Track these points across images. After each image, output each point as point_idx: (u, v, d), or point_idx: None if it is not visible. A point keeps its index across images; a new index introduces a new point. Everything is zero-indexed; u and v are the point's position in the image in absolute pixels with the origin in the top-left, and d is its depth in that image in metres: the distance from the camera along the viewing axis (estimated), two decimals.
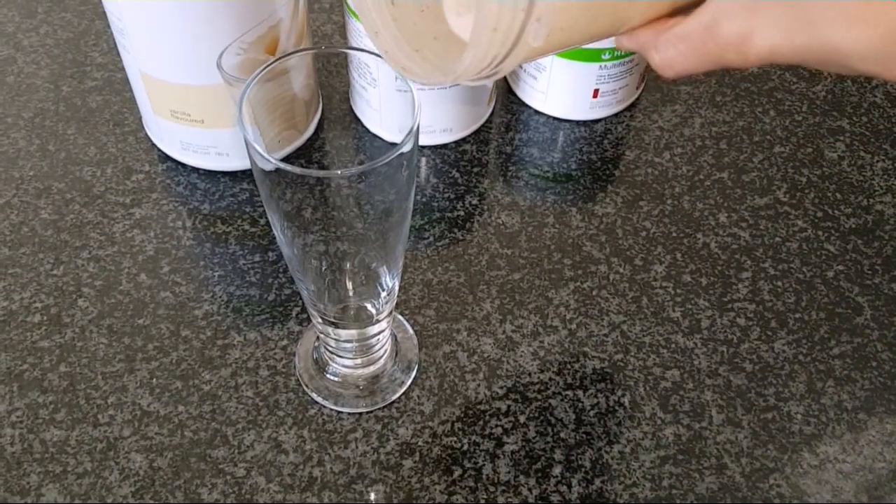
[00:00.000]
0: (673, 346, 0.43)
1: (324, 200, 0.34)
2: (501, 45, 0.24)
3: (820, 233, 0.48)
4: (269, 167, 0.28)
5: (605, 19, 0.27)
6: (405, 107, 0.31)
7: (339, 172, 0.28)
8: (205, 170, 0.50)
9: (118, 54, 0.56)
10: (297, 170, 0.27)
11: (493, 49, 0.24)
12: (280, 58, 0.31)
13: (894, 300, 0.45)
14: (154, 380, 0.41)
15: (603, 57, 0.49)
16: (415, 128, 0.28)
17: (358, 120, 0.52)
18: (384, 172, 0.29)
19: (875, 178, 0.51)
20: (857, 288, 0.46)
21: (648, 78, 0.56)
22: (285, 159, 0.43)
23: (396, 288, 0.37)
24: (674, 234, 0.48)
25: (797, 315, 0.45)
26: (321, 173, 0.29)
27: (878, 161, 0.52)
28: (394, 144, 0.49)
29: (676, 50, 0.27)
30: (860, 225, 0.49)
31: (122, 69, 0.55)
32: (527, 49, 0.25)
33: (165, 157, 0.50)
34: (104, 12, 0.53)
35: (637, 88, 0.54)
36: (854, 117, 0.55)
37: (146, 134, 0.51)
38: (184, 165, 0.50)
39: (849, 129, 0.54)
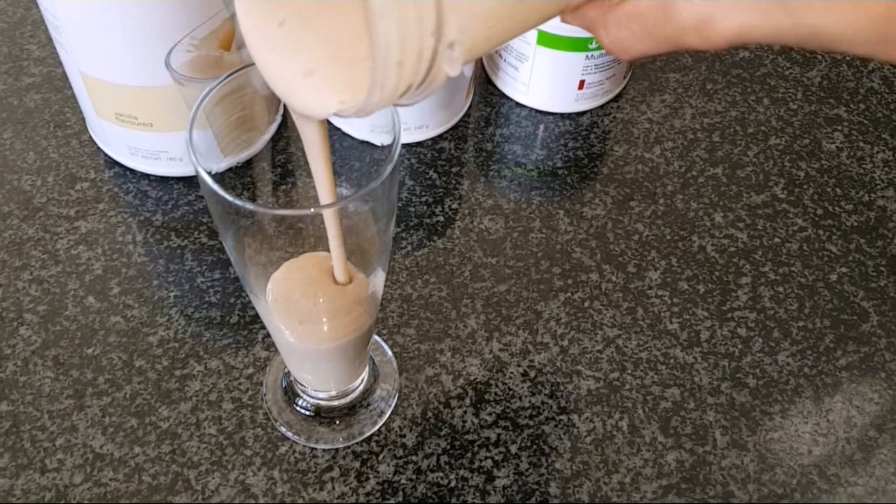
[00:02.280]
0: (672, 361, 0.40)
1: (291, 225, 0.30)
2: (413, 76, 0.20)
3: (821, 232, 0.46)
4: (238, 207, 0.24)
5: (535, 13, 0.22)
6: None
7: (311, 211, 0.24)
8: (156, 176, 0.45)
9: None
10: (262, 210, 0.23)
11: (404, 82, 0.20)
12: (237, 70, 0.27)
13: None
14: (106, 418, 0.37)
15: (590, 46, 0.45)
16: (395, 156, 0.24)
17: None
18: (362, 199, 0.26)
19: (876, 170, 0.48)
20: (861, 292, 0.43)
21: (635, 65, 0.53)
22: (247, 163, 0.39)
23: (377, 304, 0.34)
24: (668, 237, 0.45)
25: (800, 323, 0.42)
26: (295, 212, 0.25)
27: (878, 152, 0.49)
28: (364, 143, 0.45)
29: (629, 31, 0.23)
30: (862, 222, 0.46)
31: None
32: (445, 74, 0.20)
33: (112, 163, 0.46)
34: None
35: (624, 78, 0.50)
36: (851, 104, 0.52)
37: (90, 137, 0.47)
38: (133, 171, 0.45)
39: (846, 117, 0.51)
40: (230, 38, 0.40)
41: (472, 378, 0.39)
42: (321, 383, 0.36)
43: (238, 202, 0.23)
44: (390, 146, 0.25)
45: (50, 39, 0.52)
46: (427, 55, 0.19)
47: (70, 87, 0.49)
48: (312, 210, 0.24)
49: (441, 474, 0.36)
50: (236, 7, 0.22)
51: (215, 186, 0.24)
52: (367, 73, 0.20)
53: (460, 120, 0.49)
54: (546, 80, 0.48)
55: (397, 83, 0.20)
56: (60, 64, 0.50)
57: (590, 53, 0.46)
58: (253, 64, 0.29)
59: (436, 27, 0.19)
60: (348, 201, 0.24)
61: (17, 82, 0.49)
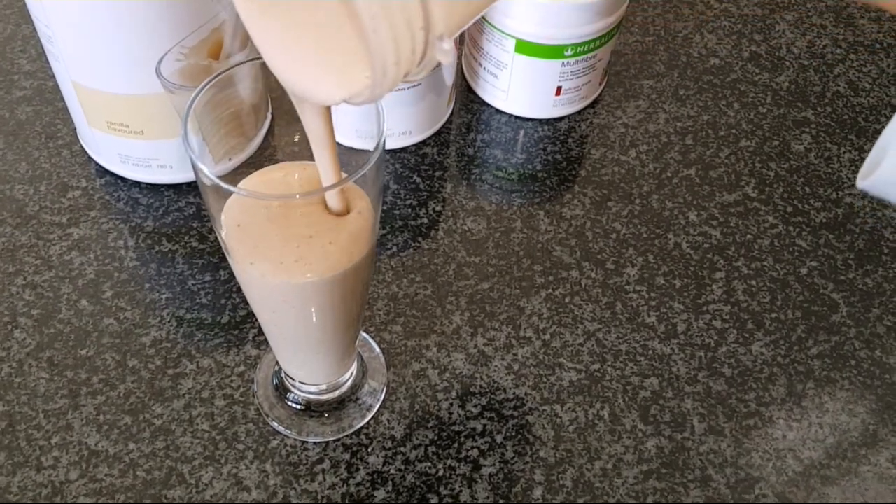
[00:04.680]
0: (650, 352, 0.42)
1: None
2: (409, 65, 0.22)
3: (791, 228, 0.47)
4: (227, 193, 0.26)
5: None
6: (361, 110, 0.29)
7: (297, 197, 0.25)
8: (146, 183, 0.46)
9: (48, 61, 0.52)
10: (258, 195, 0.25)
11: (402, 73, 0.22)
12: (227, 69, 0.28)
13: (869, 296, 0.44)
14: (101, 416, 0.38)
15: (566, 53, 0.47)
16: (380, 144, 0.26)
17: None
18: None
19: (843, 169, 0.50)
20: (831, 284, 0.45)
21: (610, 73, 0.54)
22: (235, 170, 0.40)
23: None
24: (644, 235, 0.46)
25: (773, 315, 0.44)
26: (284, 198, 0.26)
27: (844, 152, 0.51)
28: (351, 149, 0.46)
29: None
30: (831, 219, 0.48)
31: (53, 77, 0.51)
32: (437, 60, 0.22)
33: (103, 171, 0.47)
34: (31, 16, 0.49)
35: (600, 84, 0.52)
36: (818, 108, 0.54)
37: (82, 147, 0.48)
38: (123, 179, 0.47)
39: (814, 119, 0.53)
40: (219, 48, 0.42)
41: (457, 372, 0.40)
42: (310, 376, 0.37)
43: (242, 192, 0.25)
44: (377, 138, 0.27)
45: (40, 54, 0.53)
46: (420, 48, 0.21)
47: (61, 99, 0.50)
48: (297, 196, 0.25)
49: (429, 464, 0.37)
50: (236, 4, 0.24)
51: (217, 179, 0.25)
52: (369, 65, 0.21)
53: (443, 126, 0.51)
54: (524, 87, 0.49)
55: (396, 76, 0.22)
56: (51, 77, 0.51)
57: (566, 60, 0.47)
58: (239, 64, 0.30)
59: (424, 23, 0.21)
60: (345, 182, 0.25)
61: (8, 95, 0.50)
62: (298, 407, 0.38)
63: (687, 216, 0.47)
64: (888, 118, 0.53)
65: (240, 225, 0.28)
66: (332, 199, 0.28)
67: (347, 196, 0.28)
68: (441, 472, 0.37)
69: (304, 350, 0.34)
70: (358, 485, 0.37)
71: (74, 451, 0.37)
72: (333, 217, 0.28)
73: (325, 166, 0.26)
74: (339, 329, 0.33)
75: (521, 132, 0.51)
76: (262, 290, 0.30)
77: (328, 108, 0.25)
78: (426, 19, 0.21)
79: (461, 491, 0.37)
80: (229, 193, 0.25)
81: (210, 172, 0.25)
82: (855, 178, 0.50)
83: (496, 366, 0.41)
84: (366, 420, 0.38)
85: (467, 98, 0.53)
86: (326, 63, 0.23)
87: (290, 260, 0.27)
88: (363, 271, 0.30)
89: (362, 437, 0.38)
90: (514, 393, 0.40)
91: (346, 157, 0.47)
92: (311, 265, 0.28)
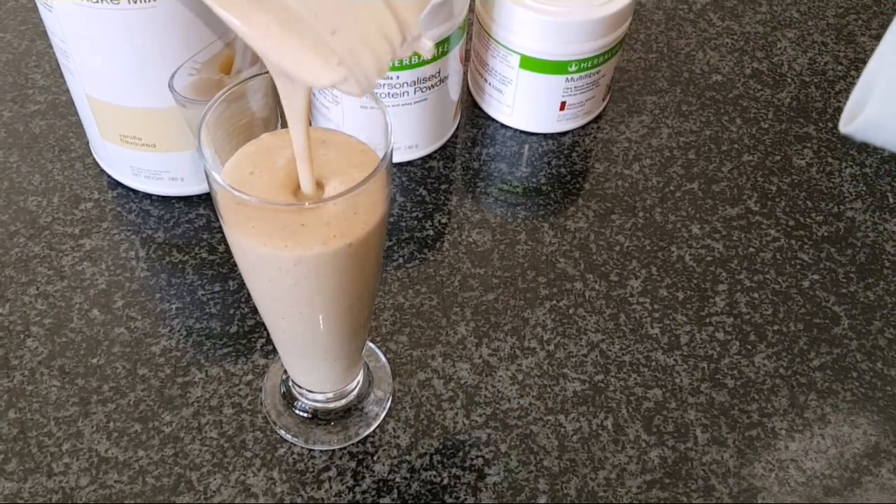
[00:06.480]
0: (653, 363, 0.42)
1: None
2: (392, 61, 0.24)
3: (793, 242, 0.48)
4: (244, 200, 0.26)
5: None
6: (370, 124, 0.30)
7: (305, 204, 0.26)
8: (158, 195, 0.47)
9: (62, 76, 0.53)
10: (272, 203, 0.25)
11: (385, 70, 0.24)
12: (239, 83, 0.29)
13: (870, 308, 0.45)
14: (111, 423, 0.38)
15: (570, 69, 0.48)
16: (388, 154, 0.26)
17: None
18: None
19: (844, 184, 0.51)
20: (833, 297, 0.45)
21: (614, 89, 0.55)
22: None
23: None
24: (648, 248, 0.47)
25: (775, 327, 0.44)
26: (295, 206, 0.27)
27: (846, 167, 0.52)
28: None
29: None
30: (832, 232, 0.48)
31: (67, 91, 0.52)
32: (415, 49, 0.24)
33: (115, 184, 0.48)
34: (46, 32, 0.50)
35: (603, 100, 0.53)
36: (820, 123, 0.54)
37: (94, 159, 0.49)
38: (135, 192, 0.47)
39: (815, 135, 0.54)
40: (230, 63, 0.43)
41: (462, 382, 0.41)
42: (317, 383, 0.38)
43: (256, 199, 0.25)
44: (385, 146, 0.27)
45: (54, 69, 0.54)
46: (398, 46, 0.23)
47: (74, 113, 0.51)
48: (307, 204, 0.26)
49: (434, 473, 0.38)
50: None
51: (216, 176, 0.26)
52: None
53: (448, 140, 0.51)
54: (529, 102, 0.50)
55: (380, 74, 0.23)
56: (64, 92, 0.52)
57: (570, 76, 0.48)
58: (250, 78, 0.31)
59: (399, 28, 0.22)
60: (358, 187, 0.26)
61: (22, 109, 0.51)
62: (305, 415, 0.39)
63: (690, 229, 0.48)
64: None
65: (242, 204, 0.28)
66: (305, 181, 0.28)
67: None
68: (446, 481, 0.37)
69: (312, 357, 0.35)
70: (364, 492, 0.37)
71: (84, 457, 0.37)
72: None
73: (298, 140, 0.27)
74: (346, 336, 0.33)
75: (526, 146, 0.52)
76: (265, 272, 0.29)
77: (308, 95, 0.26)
78: (400, 25, 0.22)
79: (466, 499, 0.37)
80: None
81: (222, 180, 0.26)
82: (856, 192, 0.50)
83: (501, 376, 0.41)
84: (371, 428, 0.39)
85: (473, 113, 0.54)
86: (310, 60, 0.24)
87: (287, 235, 0.27)
88: (367, 255, 0.29)
89: (368, 445, 0.38)
90: (518, 403, 0.40)
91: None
92: (309, 241, 0.28)
